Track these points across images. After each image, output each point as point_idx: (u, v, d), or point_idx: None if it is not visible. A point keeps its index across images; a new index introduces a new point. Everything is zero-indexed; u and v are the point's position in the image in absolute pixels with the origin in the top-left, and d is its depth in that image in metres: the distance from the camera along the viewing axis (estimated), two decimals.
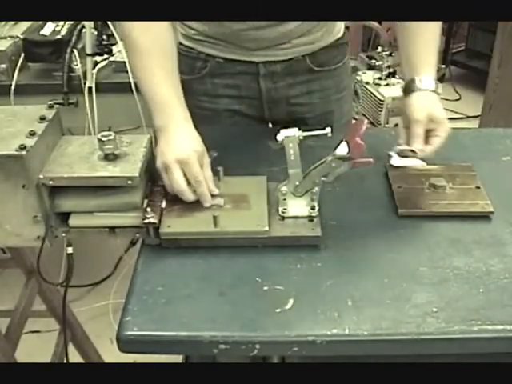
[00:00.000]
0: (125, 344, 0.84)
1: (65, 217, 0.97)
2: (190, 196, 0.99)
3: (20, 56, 1.75)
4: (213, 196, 1.01)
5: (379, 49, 2.66)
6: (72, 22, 1.79)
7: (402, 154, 1.01)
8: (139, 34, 1.05)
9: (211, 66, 1.30)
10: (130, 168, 0.94)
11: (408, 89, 1.09)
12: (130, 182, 0.93)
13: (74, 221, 0.97)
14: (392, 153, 1.00)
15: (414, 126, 1.05)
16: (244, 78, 1.31)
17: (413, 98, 1.08)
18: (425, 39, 1.12)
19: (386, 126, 2.64)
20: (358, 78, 2.68)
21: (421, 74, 1.08)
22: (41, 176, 0.92)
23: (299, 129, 0.96)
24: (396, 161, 0.99)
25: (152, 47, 1.06)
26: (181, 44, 1.32)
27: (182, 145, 0.99)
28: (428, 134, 1.05)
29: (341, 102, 1.41)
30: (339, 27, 1.35)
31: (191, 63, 1.31)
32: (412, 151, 1.01)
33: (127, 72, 1.72)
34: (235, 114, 1.36)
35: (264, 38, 1.24)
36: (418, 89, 1.07)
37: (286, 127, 0.97)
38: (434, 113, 1.05)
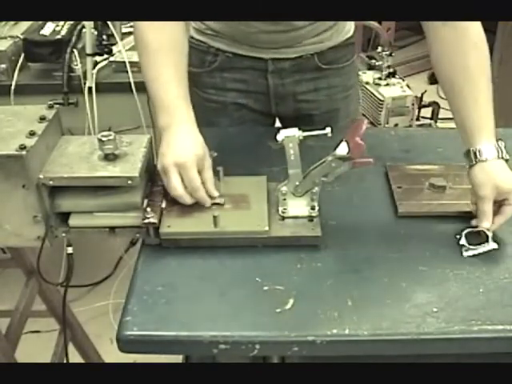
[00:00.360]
0: (125, 344, 0.84)
1: (65, 217, 0.97)
2: (187, 200, 0.98)
3: (20, 56, 1.75)
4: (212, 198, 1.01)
5: (379, 49, 2.66)
6: (72, 22, 1.79)
7: (472, 241, 0.97)
8: (151, 34, 1.05)
9: (221, 60, 1.31)
10: (130, 168, 0.94)
11: (468, 161, 1.00)
12: (130, 182, 0.93)
13: (74, 221, 0.97)
14: (463, 241, 0.97)
15: (479, 204, 0.98)
16: (252, 73, 1.32)
17: (475, 172, 0.99)
18: (477, 99, 1.02)
19: (386, 125, 2.64)
20: (358, 77, 2.68)
21: (479, 144, 0.99)
22: (41, 176, 0.92)
23: (299, 129, 0.96)
24: (468, 252, 0.96)
25: (162, 46, 1.05)
26: (192, 38, 1.33)
27: (181, 148, 0.98)
28: (499, 204, 0.99)
29: (347, 100, 1.42)
30: (349, 27, 1.36)
31: (201, 57, 1.33)
32: (482, 231, 0.97)
33: (127, 72, 1.72)
34: (242, 107, 1.37)
35: (275, 41, 1.25)
36: (479, 160, 0.98)
37: (285, 127, 0.97)
38: (500, 184, 0.97)
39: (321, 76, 1.34)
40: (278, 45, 1.27)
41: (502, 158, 0.99)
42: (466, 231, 0.99)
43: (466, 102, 1.02)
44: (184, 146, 0.98)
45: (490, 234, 0.97)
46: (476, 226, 0.99)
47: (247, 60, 1.30)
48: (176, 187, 0.97)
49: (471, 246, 0.96)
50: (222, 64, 1.32)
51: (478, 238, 0.98)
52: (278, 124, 1.46)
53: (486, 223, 0.98)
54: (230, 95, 1.35)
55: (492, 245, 0.96)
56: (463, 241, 0.97)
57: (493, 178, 0.98)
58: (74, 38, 1.74)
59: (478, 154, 0.99)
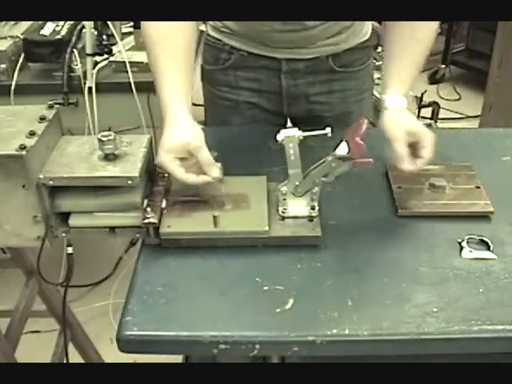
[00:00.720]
0: (125, 344, 0.84)
1: (65, 217, 0.97)
2: (199, 183, 0.99)
3: (20, 56, 1.75)
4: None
5: (379, 49, 2.66)
6: (72, 22, 1.79)
7: (474, 247, 0.98)
8: (151, 28, 1.06)
9: (235, 58, 1.32)
10: (130, 168, 0.94)
11: (381, 106, 1.08)
12: (130, 182, 0.93)
13: (74, 221, 0.97)
14: (464, 244, 0.98)
15: (394, 147, 1.02)
16: (266, 72, 1.32)
17: (385, 118, 1.06)
18: (405, 60, 1.10)
19: None
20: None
21: (389, 93, 1.07)
22: (41, 176, 0.92)
23: (299, 129, 0.96)
24: (467, 253, 0.97)
25: (160, 40, 1.05)
26: (208, 35, 1.35)
27: (161, 148, 0.97)
28: (415, 148, 1.03)
29: (361, 103, 1.41)
30: (366, 29, 1.35)
31: (216, 54, 1.33)
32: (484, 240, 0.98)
33: (127, 72, 1.73)
34: (254, 106, 1.37)
35: (288, 40, 1.25)
36: (387, 107, 1.06)
37: (291, 125, 0.97)
38: (409, 126, 1.03)
39: (335, 78, 1.33)
40: (291, 44, 1.27)
41: (408, 108, 1.07)
42: (467, 237, 0.99)
43: (395, 58, 1.11)
44: (162, 146, 0.98)
45: (491, 245, 0.97)
46: (483, 238, 0.99)
47: (261, 59, 1.31)
48: (181, 180, 0.98)
49: (471, 249, 0.96)
50: (236, 62, 1.32)
51: (480, 244, 0.98)
52: (289, 124, 1.45)
53: (405, 165, 1.01)
54: (242, 94, 1.36)
55: (491, 254, 0.96)
56: (464, 245, 0.97)
57: (401, 121, 1.04)
58: (74, 38, 1.75)
59: (386, 102, 1.07)
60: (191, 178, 0.98)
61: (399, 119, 1.05)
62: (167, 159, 0.97)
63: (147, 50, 1.07)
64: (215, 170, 0.98)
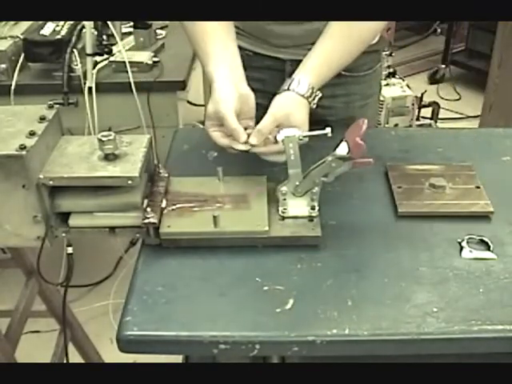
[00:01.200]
0: (125, 344, 0.84)
1: (65, 217, 0.97)
2: (228, 146, 1.03)
3: (20, 56, 1.76)
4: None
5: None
6: (72, 22, 1.80)
7: (474, 247, 0.98)
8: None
9: (241, 58, 1.31)
10: (130, 168, 0.94)
11: (284, 85, 1.06)
12: (130, 182, 0.93)
13: (74, 221, 0.97)
14: (464, 244, 0.98)
15: (264, 118, 1.01)
16: (270, 73, 1.32)
17: (280, 95, 1.06)
18: (333, 48, 1.09)
19: (386, 125, 2.64)
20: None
21: (298, 76, 1.06)
22: (41, 176, 0.92)
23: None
24: (467, 253, 0.97)
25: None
26: None
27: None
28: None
29: (365, 108, 1.38)
30: None
31: None
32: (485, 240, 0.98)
33: (127, 72, 1.73)
34: (258, 107, 1.36)
35: (289, 35, 1.24)
36: (289, 89, 1.05)
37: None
38: (293, 115, 1.02)
39: (339, 83, 1.29)
40: (294, 42, 1.25)
41: (309, 101, 1.04)
42: (467, 237, 0.99)
43: (315, 49, 1.09)
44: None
45: (491, 245, 0.97)
46: (484, 240, 0.99)
47: (266, 59, 1.30)
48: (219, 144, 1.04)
49: (471, 249, 0.96)
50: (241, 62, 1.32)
51: (480, 244, 0.98)
52: None
53: (253, 138, 1.00)
54: None
55: (491, 254, 0.96)
56: (464, 244, 0.97)
57: (291, 106, 1.03)
58: (73, 38, 1.75)
59: (295, 83, 1.05)
60: (223, 141, 1.02)
61: (291, 103, 1.04)
62: (207, 126, 1.04)
63: (184, 27, 1.11)
64: (242, 137, 1.00)
